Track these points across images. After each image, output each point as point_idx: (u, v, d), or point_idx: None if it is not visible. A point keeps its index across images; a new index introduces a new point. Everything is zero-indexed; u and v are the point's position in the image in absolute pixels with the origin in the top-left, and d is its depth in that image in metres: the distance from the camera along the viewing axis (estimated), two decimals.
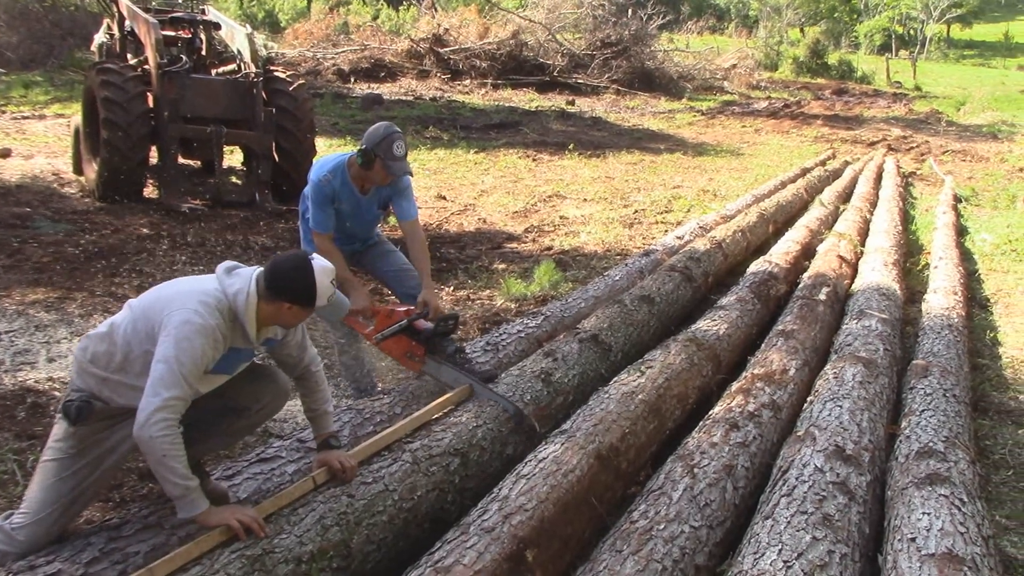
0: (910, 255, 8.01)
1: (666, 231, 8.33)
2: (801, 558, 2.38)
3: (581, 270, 6.94)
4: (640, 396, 3.56)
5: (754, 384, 3.82)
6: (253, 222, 7.95)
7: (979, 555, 2.44)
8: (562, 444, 3.03)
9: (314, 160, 5.94)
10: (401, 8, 30.80)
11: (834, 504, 2.71)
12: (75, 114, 9.98)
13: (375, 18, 29.46)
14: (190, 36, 8.95)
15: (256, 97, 8.29)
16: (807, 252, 6.99)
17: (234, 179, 9.37)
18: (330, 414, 2.86)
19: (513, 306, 5.79)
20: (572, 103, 21.60)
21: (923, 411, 3.61)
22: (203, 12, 9.77)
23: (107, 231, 7.11)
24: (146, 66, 8.24)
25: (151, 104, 8.00)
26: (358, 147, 3.74)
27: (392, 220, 4.64)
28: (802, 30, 48.25)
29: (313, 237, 3.86)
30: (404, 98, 19.81)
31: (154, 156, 8.27)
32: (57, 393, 3.97)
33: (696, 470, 2.95)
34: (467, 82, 23.10)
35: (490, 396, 3.49)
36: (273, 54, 20.91)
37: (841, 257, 6.60)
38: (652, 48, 26.89)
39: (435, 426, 3.16)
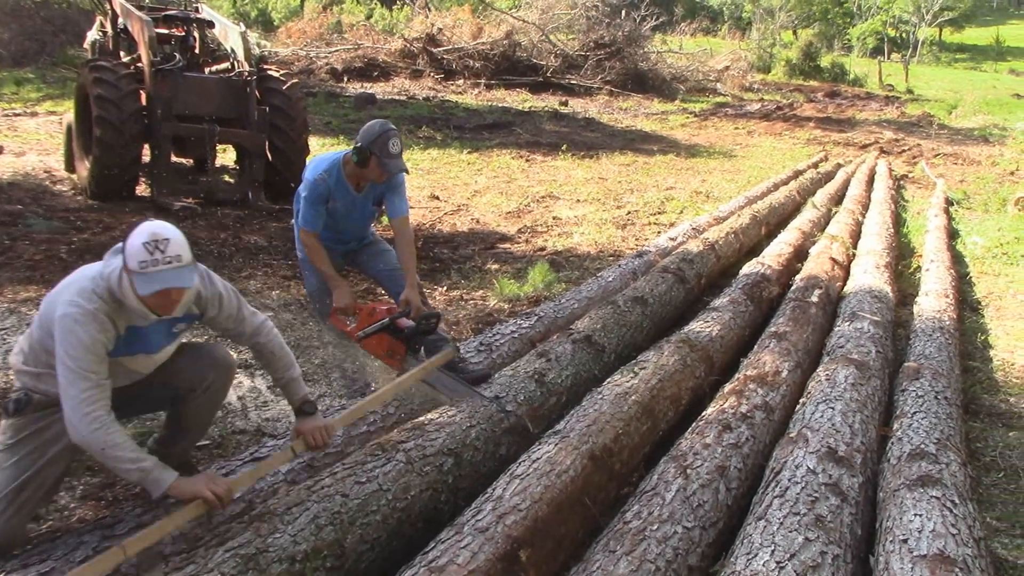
0: (902, 258, 8.04)
1: (659, 232, 8.35)
2: (794, 559, 2.39)
3: (574, 271, 6.95)
4: (633, 397, 3.57)
5: (747, 386, 3.83)
6: (246, 220, 7.92)
7: (970, 556, 2.46)
8: (556, 445, 3.03)
9: (307, 159, 5.92)
10: (395, 7, 30.76)
11: (826, 505, 2.72)
12: (67, 111, 9.92)
13: (368, 17, 29.39)
14: (183, 34, 8.91)
15: (249, 96, 8.28)
16: (799, 254, 7.01)
17: (227, 177, 9.33)
18: (297, 380, 2.89)
19: (506, 307, 5.78)
20: (565, 104, 21.61)
21: (915, 413, 3.63)
22: (197, 10, 9.71)
23: (99, 229, 7.08)
24: (139, 64, 8.20)
25: (144, 102, 7.97)
26: (353, 144, 3.74)
27: (385, 220, 4.63)
28: (795, 32, 48.46)
29: (299, 233, 3.86)
30: (397, 98, 19.80)
31: (147, 154, 8.25)
32: None
33: (689, 471, 2.96)
34: (460, 82, 23.09)
35: (451, 384, 3.55)
36: (266, 53, 20.86)
37: (833, 259, 6.62)
38: (645, 49, 26.98)
39: (429, 426, 3.17)
